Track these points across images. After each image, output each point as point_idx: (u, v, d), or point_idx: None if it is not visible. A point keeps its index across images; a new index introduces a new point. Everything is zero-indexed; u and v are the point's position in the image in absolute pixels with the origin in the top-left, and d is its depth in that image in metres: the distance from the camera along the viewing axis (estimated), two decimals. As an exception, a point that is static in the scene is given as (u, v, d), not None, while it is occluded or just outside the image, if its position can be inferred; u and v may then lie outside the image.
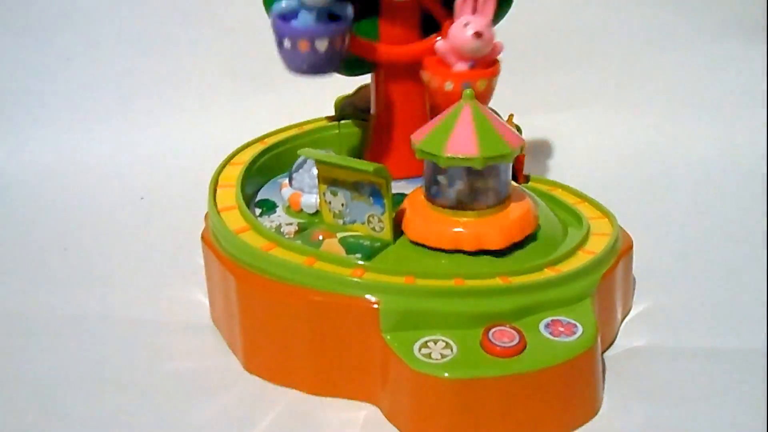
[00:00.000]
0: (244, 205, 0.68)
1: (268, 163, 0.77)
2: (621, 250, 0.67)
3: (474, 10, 0.65)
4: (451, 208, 0.63)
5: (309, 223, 0.69)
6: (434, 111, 0.66)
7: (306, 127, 0.81)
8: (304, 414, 0.61)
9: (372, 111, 0.75)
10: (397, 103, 0.72)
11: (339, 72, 0.71)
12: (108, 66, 1.05)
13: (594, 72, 1.03)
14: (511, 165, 0.64)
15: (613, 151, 0.98)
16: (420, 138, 0.62)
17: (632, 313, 0.71)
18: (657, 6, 1.02)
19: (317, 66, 0.66)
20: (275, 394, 0.63)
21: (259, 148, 0.77)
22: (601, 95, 1.03)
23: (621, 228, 0.69)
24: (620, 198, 0.78)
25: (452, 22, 0.65)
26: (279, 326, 0.61)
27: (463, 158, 0.60)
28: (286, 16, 0.65)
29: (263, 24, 0.67)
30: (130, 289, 0.76)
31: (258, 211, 0.71)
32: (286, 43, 0.65)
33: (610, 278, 0.64)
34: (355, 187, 0.64)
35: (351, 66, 0.71)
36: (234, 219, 0.67)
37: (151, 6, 1.04)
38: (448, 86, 0.64)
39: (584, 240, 0.66)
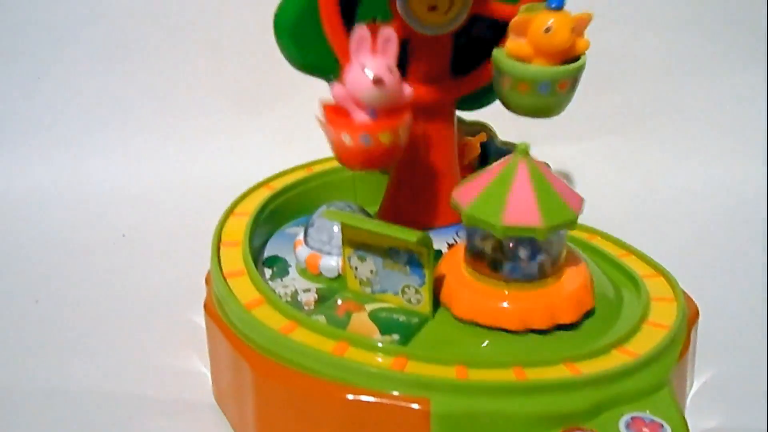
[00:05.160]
0: (255, 270, 0.58)
1: (275, 211, 0.67)
2: (690, 319, 0.58)
3: (373, 50, 0.54)
4: (503, 278, 0.54)
5: (329, 289, 0.59)
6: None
7: (315, 168, 0.71)
8: None
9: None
10: (422, 144, 0.63)
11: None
12: (83, 85, 0.94)
13: (609, 101, 0.94)
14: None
15: (632, 184, 0.90)
16: (468, 201, 0.53)
17: (695, 386, 0.62)
18: (680, 32, 0.93)
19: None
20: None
21: (264, 193, 0.68)
22: (621, 125, 0.94)
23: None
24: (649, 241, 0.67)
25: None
26: (302, 426, 0.52)
27: (524, 228, 0.51)
28: None
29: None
30: (114, 356, 0.65)
31: (268, 272, 0.62)
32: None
33: (685, 358, 0.55)
34: (388, 253, 0.55)
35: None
36: (244, 288, 0.57)
37: (134, 21, 0.93)
38: (346, 139, 0.54)
39: (646, 310, 0.57)
